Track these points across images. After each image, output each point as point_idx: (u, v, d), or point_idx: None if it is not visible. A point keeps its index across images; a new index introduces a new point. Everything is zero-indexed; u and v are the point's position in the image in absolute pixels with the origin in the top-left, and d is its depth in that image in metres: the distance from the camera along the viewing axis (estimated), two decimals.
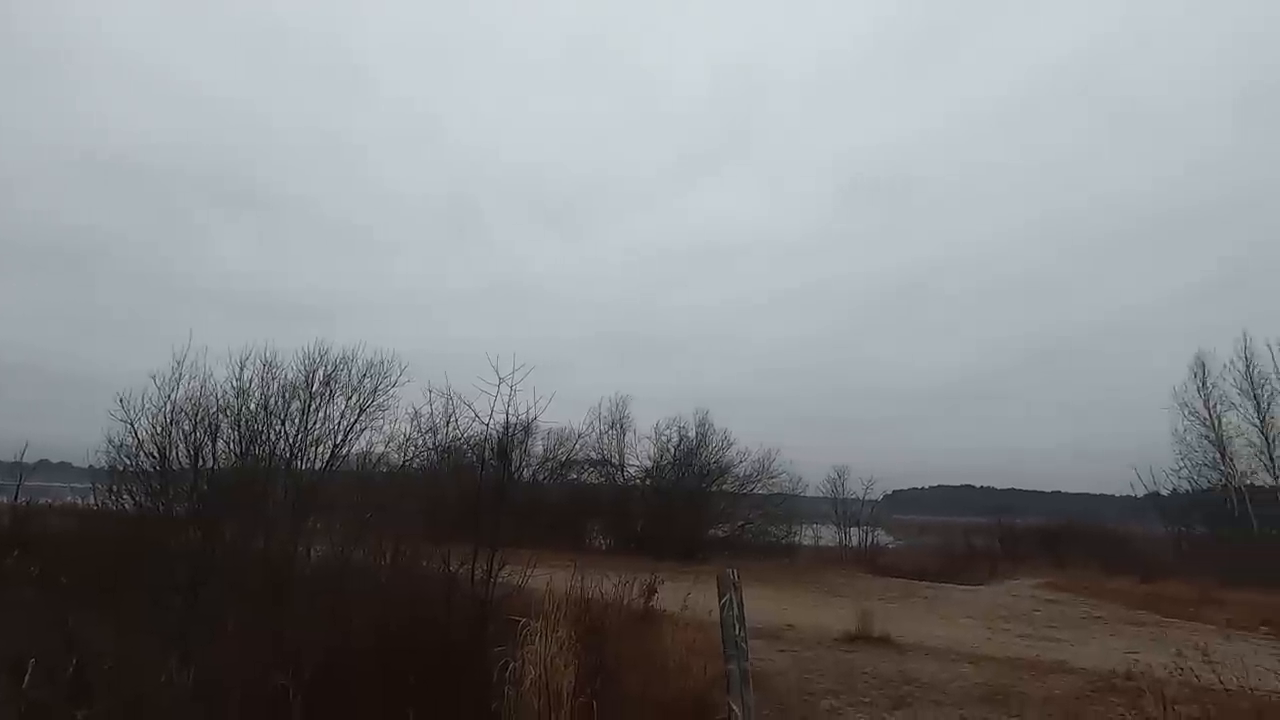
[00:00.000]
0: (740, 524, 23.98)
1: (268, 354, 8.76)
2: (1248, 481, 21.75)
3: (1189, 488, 23.46)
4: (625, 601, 7.90)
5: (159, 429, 7.47)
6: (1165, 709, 5.04)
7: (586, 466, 26.26)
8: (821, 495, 27.04)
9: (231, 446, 7.99)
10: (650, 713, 4.83)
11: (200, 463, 7.63)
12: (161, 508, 7.24)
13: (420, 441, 9.35)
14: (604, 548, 24.79)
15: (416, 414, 9.16)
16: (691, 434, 24.69)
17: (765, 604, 11.93)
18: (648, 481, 24.72)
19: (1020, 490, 47.09)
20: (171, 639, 4.53)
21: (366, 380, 9.83)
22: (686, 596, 6.94)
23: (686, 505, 23.31)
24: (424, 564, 6.10)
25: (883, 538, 30.89)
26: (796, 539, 25.91)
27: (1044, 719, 5.51)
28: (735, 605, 3.89)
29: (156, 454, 7.50)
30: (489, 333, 67.66)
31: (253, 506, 6.97)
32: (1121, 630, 10.82)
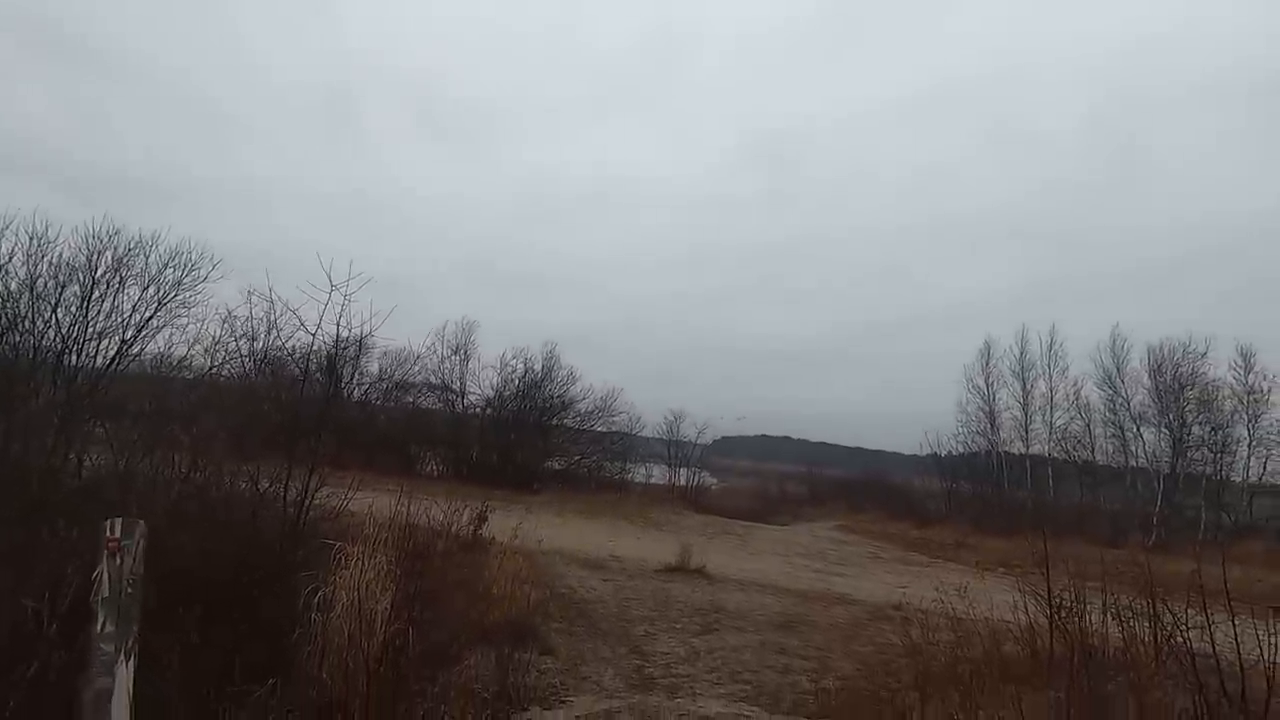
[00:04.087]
0: (577, 458, 24.45)
1: (36, 224, 7.26)
2: (1007, 448, 25.88)
3: (963, 450, 27.52)
4: (454, 529, 7.76)
5: None
6: (925, 633, 5.87)
7: (424, 391, 25.26)
8: (658, 437, 28.29)
9: None
10: (470, 637, 4.79)
11: None
12: None
13: (234, 347, 8.31)
14: (436, 474, 24.23)
15: (231, 315, 8.05)
16: (538, 367, 24.54)
17: (594, 536, 12.33)
18: (488, 411, 24.33)
19: (830, 444, 52.36)
20: None
21: (170, 271, 8.45)
22: (517, 526, 6.92)
23: (526, 437, 23.31)
24: (229, 481, 5.52)
25: (709, 479, 33.01)
26: (630, 476, 26.96)
27: (828, 642, 6.20)
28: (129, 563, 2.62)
29: None
30: (343, 242, 61.79)
31: (4, 406, 5.86)
32: (896, 568, 12.47)
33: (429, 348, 25.64)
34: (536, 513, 15.74)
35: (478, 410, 24.60)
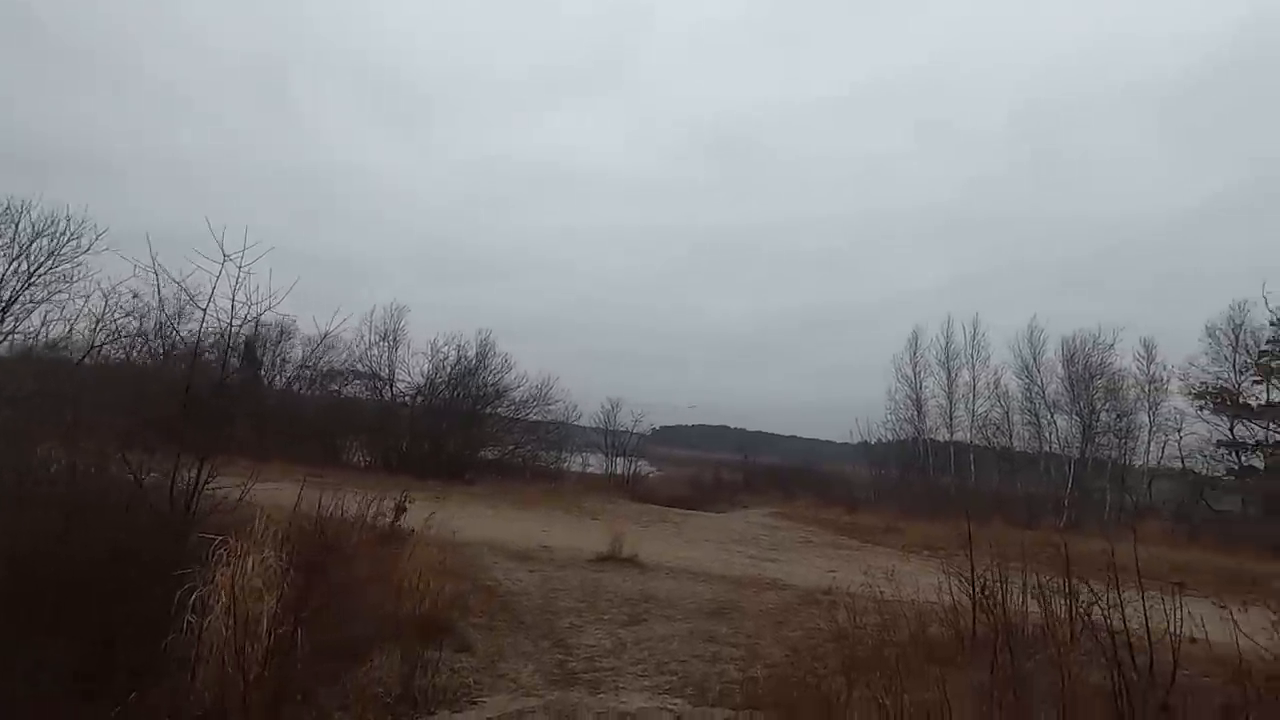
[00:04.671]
0: (512, 448, 23.95)
1: None
2: (932, 436, 26.87)
3: (891, 438, 28.42)
4: (371, 520, 7.32)
5: None
6: (853, 617, 5.86)
7: (350, 378, 24.21)
8: (595, 426, 28.04)
9: None
10: (379, 635, 4.45)
11: None
12: None
13: (122, 326, 7.51)
14: (363, 465, 23.31)
15: (114, 291, 7.19)
16: (471, 354, 23.86)
17: (526, 526, 11.99)
18: (418, 399, 23.52)
19: (766, 433, 53.26)
20: None
21: (42, 242, 7.54)
22: (429, 516, 6.55)
23: (458, 426, 22.65)
24: (110, 469, 4.97)
25: (646, 467, 33.01)
26: (566, 465, 26.62)
27: (758, 628, 6.11)
28: None
29: None
30: (279, 222, 58.42)
31: None
32: (827, 552, 12.64)
33: (356, 334, 24.61)
34: (468, 504, 15.28)
35: (407, 399, 23.75)
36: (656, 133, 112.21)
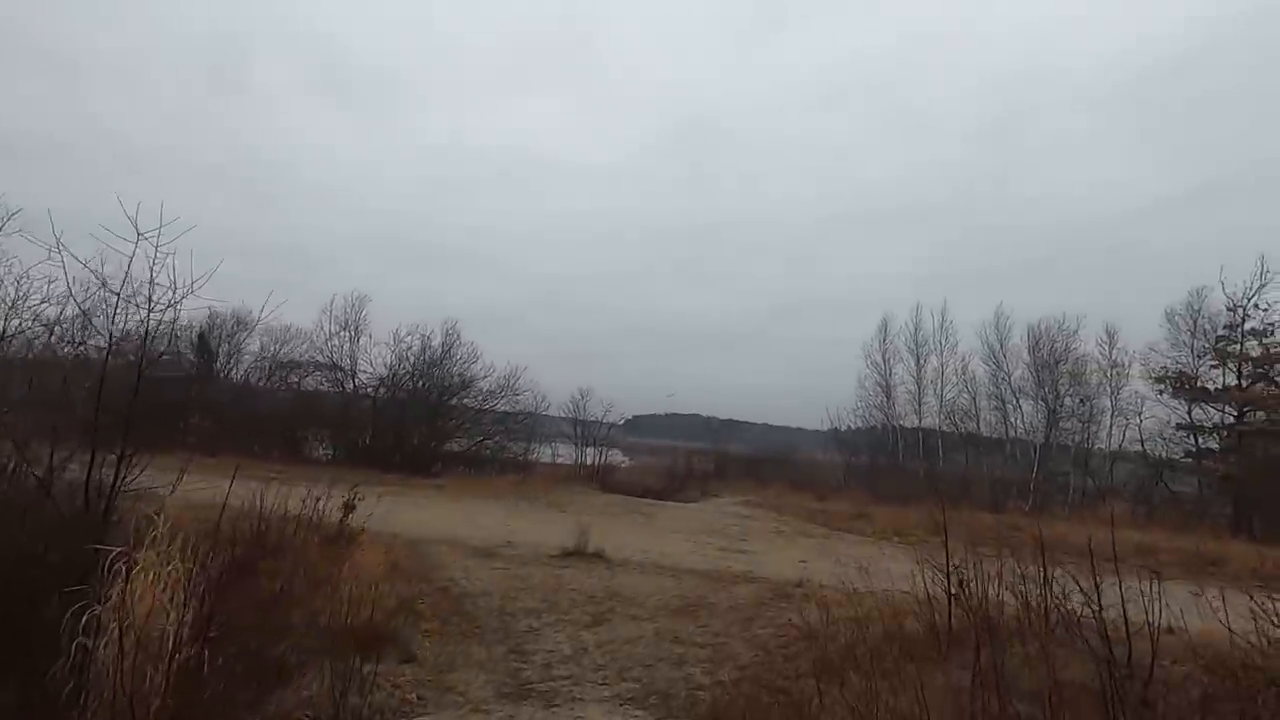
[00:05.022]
0: (480, 440, 23.43)
1: None
2: (901, 422, 27.04)
3: (861, 425, 28.55)
4: (317, 519, 6.87)
5: None
6: (825, 613, 5.63)
7: (310, 369, 23.44)
8: (565, 416, 27.60)
9: None
10: (314, 648, 4.06)
11: None
12: None
13: (38, 313, 6.93)
14: (326, 459, 22.61)
15: (26, 275, 6.60)
16: (436, 343, 23.24)
17: (491, 520, 11.62)
18: (382, 390, 22.84)
19: (737, 420, 53.32)
20: None
21: None
22: (367, 517, 6.16)
23: (423, 417, 22.06)
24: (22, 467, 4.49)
25: (617, 457, 32.71)
26: (536, 456, 26.17)
27: (727, 626, 5.84)
28: None
29: None
30: (228, 210, 56.40)
31: None
32: (798, 541, 12.49)
33: (316, 324, 23.81)
34: (432, 498, 14.82)
35: (370, 390, 23.07)
36: (624, 123, 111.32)
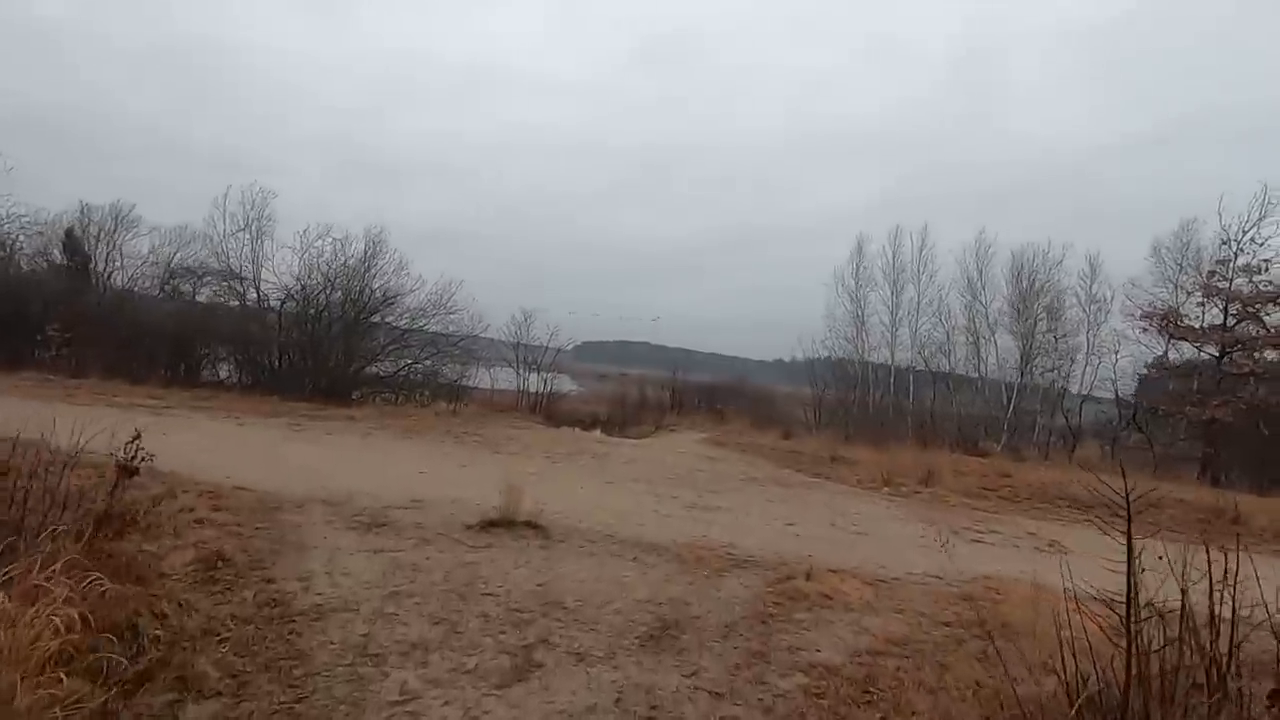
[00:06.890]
0: (408, 364, 20.66)
1: None
2: (872, 356, 25.41)
3: (828, 356, 26.84)
4: (89, 484, 4.34)
5: None
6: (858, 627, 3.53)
7: (204, 278, 20.02)
8: (506, 340, 24.90)
9: None
10: None
11: None
12: None
13: None
14: (231, 384, 19.63)
15: None
16: (360, 249, 20.01)
17: (401, 466, 9.22)
18: (289, 304, 19.65)
19: (689, 350, 51.55)
20: None
21: None
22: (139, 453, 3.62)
23: (339, 336, 19.10)
24: None
25: (566, 384, 30.52)
26: (473, 382, 23.57)
27: (726, 669, 3.68)
28: None
29: None
30: (151, 105, 49.61)
31: None
32: (776, 493, 10.56)
33: (209, 223, 20.23)
34: (336, 433, 12.27)
35: (276, 303, 19.85)
36: (595, 38, 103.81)
